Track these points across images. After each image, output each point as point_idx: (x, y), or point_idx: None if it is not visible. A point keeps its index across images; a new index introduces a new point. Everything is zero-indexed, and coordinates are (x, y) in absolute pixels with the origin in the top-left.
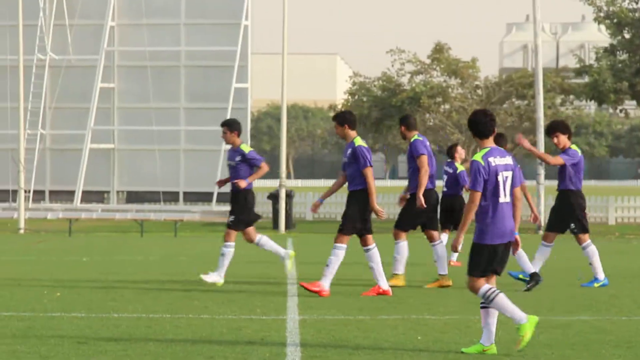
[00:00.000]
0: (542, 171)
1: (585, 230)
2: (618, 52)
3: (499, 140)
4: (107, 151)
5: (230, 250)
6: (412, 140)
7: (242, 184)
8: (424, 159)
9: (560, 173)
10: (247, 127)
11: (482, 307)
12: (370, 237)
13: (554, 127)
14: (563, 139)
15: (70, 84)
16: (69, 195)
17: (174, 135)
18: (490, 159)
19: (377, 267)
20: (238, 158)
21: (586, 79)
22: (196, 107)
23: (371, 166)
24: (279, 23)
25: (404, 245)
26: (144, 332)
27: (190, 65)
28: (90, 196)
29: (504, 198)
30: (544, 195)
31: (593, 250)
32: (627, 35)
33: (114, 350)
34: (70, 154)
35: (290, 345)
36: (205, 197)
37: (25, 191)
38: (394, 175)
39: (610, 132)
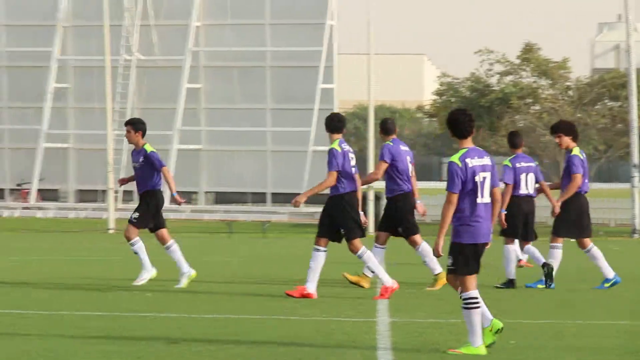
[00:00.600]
0: (636, 174)
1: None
2: None
3: (514, 138)
4: (195, 152)
5: (139, 245)
6: (383, 145)
7: (179, 200)
8: (382, 165)
9: (564, 179)
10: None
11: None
12: (356, 242)
13: (557, 128)
14: (566, 140)
15: (157, 84)
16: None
17: (261, 136)
18: (468, 160)
19: (374, 265)
20: (141, 159)
21: None
22: (282, 108)
23: (336, 171)
24: (365, 23)
25: (425, 247)
26: (233, 333)
27: (276, 65)
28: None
29: (481, 198)
30: (638, 199)
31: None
32: None
33: (204, 351)
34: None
35: (382, 348)
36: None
37: (114, 191)
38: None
39: None
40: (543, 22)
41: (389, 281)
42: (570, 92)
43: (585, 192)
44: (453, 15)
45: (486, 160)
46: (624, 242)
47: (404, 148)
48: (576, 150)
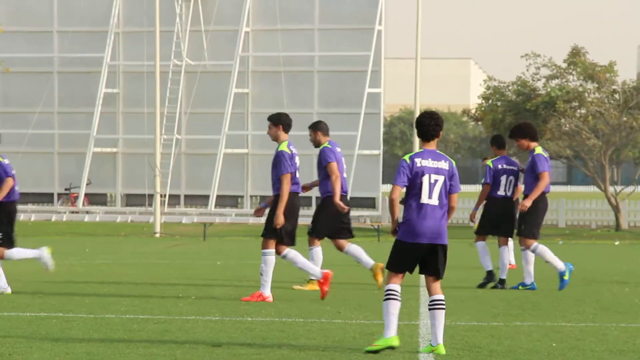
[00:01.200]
0: None
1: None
2: None
3: (499, 140)
4: (241, 156)
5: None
6: (322, 147)
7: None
8: (333, 165)
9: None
10: (380, 131)
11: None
12: (282, 246)
13: (513, 133)
14: (523, 143)
15: (205, 89)
16: (203, 199)
17: (308, 140)
18: (417, 160)
19: (266, 275)
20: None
21: None
22: (329, 112)
23: (289, 173)
24: (412, 27)
25: (318, 251)
26: (277, 336)
27: (324, 70)
28: (224, 200)
29: (427, 199)
30: None
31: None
32: None
33: (247, 354)
34: (205, 158)
35: (424, 352)
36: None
37: (161, 196)
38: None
39: None
40: (590, 26)
41: (318, 274)
42: (616, 96)
43: (548, 192)
44: (500, 19)
45: (442, 165)
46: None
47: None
48: (539, 149)
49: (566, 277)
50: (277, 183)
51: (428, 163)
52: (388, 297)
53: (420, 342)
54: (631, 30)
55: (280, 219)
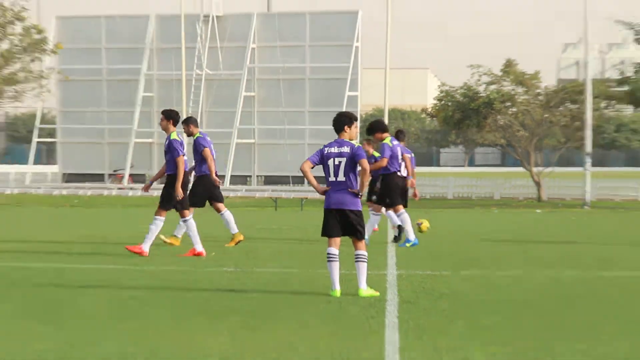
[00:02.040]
0: (588, 160)
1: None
2: None
3: (399, 135)
4: (249, 145)
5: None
6: (195, 137)
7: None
8: (207, 151)
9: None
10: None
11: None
12: (185, 211)
13: (370, 129)
14: (378, 136)
15: (221, 92)
16: (220, 178)
17: (301, 132)
18: (326, 148)
19: (193, 234)
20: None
21: (626, 88)
22: (318, 110)
23: (182, 155)
24: (383, 44)
25: (191, 221)
26: (279, 283)
27: (313, 78)
28: (236, 179)
29: (333, 177)
30: (588, 179)
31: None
32: None
33: (258, 298)
34: (221, 147)
35: (390, 294)
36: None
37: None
38: (471, 163)
39: None
40: (521, 43)
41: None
42: (540, 97)
43: (398, 171)
44: (452, 38)
45: (344, 149)
46: (577, 213)
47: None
48: (387, 140)
49: (409, 245)
50: (171, 164)
51: (333, 150)
52: (328, 259)
53: (388, 287)
54: (552, 46)
55: (179, 193)
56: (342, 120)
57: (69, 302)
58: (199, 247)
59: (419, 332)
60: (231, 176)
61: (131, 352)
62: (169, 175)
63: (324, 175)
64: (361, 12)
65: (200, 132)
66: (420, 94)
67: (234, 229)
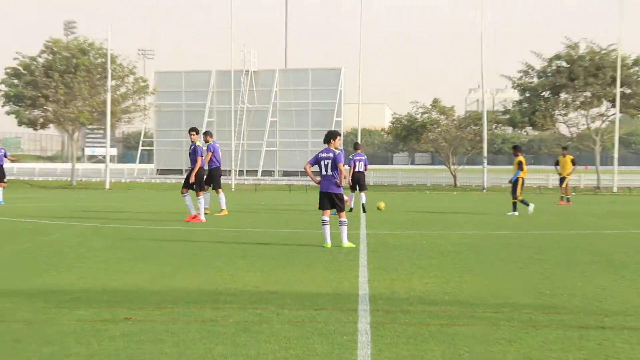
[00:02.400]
0: (485, 161)
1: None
2: (523, 103)
3: (356, 145)
4: (273, 151)
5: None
6: (195, 143)
7: None
8: (209, 154)
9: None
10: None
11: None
12: (200, 192)
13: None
14: (334, 142)
15: (256, 118)
16: (254, 172)
17: (305, 143)
18: (320, 153)
19: (201, 206)
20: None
21: (507, 116)
22: (316, 129)
23: (201, 156)
24: (357, 88)
25: (206, 196)
26: (292, 239)
27: (313, 109)
28: (265, 173)
29: (324, 172)
30: (485, 174)
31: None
32: (527, 95)
33: (278, 248)
34: (255, 152)
35: (362, 245)
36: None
37: (236, 170)
38: (413, 162)
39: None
40: (443, 88)
41: (192, 210)
42: (455, 122)
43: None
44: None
45: (329, 155)
46: (478, 194)
47: (217, 145)
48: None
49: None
50: (193, 161)
51: (324, 155)
52: (322, 223)
53: (360, 242)
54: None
55: (192, 178)
56: (330, 135)
57: (157, 250)
58: (202, 216)
59: (380, 270)
60: (262, 171)
61: (196, 282)
62: (191, 169)
63: (319, 170)
64: (343, 69)
65: (213, 141)
66: (380, 119)
67: (223, 206)
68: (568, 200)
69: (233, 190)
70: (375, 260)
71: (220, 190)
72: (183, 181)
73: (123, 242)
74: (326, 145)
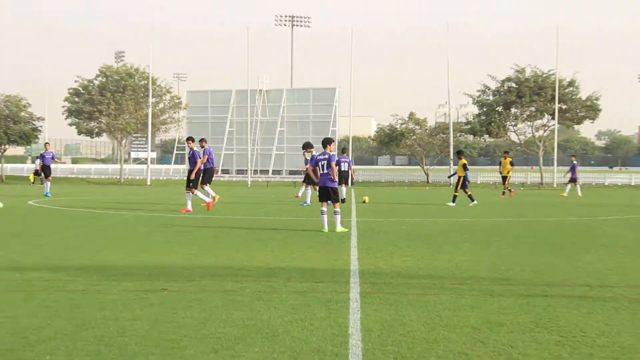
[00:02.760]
0: (451, 162)
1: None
2: (481, 116)
3: (344, 150)
4: (282, 154)
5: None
6: (193, 148)
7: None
8: (205, 157)
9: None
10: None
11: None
12: (194, 189)
13: (306, 145)
14: (329, 147)
15: (268, 128)
16: (266, 171)
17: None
18: (317, 156)
19: (203, 194)
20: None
21: (469, 127)
22: (316, 137)
23: (199, 158)
24: (348, 103)
25: (209, 189)
26: (296, 225)
27: (314, 121)
28: (275, 172)
29: (321, 170)
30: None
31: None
32: (484, 109)
33: (285, 233)
34: (267, 156)
35: (353, 230)
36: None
37: (252, 170)
38: (394, 164)
39: (479, 147)
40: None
41: (207, 199)
42: (427, 131)
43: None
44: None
45: (325, 157)
46: (446, 189)
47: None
48: (333, 151)
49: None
50: (192, 163)
51: (321, 157)
52: (321, 213)
53: (352, 227)
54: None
55: (192, 176)
56: (326, 141)
57: (187, 235)
58: (189, 206)
59: (368, 251)
60: (272, 170)
61: (218, 260)
62: (206, 169)
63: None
64: (338, 88)
65: (208, 146)
66: (367, 129)
67: (211, 194)
68: (510, 191)
69: (249, 186)
70: (364, 242)
71: (208, 185)
72: (186, 181)
73: (160, 228)
74: (324, 149)
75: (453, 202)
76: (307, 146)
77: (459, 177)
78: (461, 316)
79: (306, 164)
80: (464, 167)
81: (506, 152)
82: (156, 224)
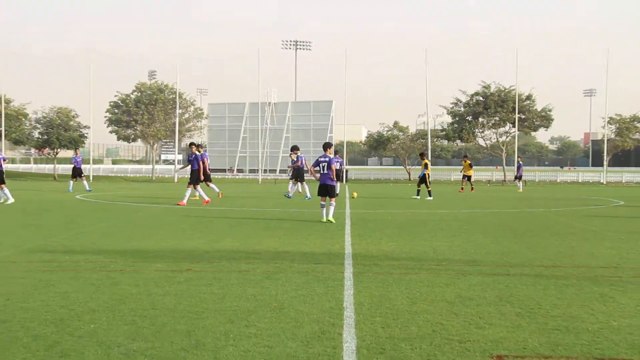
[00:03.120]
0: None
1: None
2: (454, 124)
3: (337, 153)
4: (287, 157)
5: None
6: (195, 153)
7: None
8: (201, 162)
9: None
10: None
11: (321, 207)
12: (194, 184)
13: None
14: (329, 151)
15: (275, 135)
16: (274, 171)
17: (308, 152)
18: (319, 158)
19: (188, 194)
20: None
21: (443, 133)
22: (316, 142)
23: (206, 159)
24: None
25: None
26: (299, 216)
27: (314, 129)
28: (282, 172)
29: (322, 171)
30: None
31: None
32: (457, 119)
33: (290, 222)
34: (274, 158)
35: (347, 220)
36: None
37: (263, 170)
38: (381, 164)
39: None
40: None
41: (205, 197)
42: (409, 137)
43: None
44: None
45: (326, 158)
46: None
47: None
48: (332, 154)
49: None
50: (195, 164)
51: (321, 159)
52: (321, 206)
53: (346, 218)
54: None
55: (201, 177)
56: (326, 146)
57: (207, 224)
58: (185, 200)
59: (359, 237)
60: (279, 169)
61: (234, 245)
62: (195, 170)
63: (319, 169)
64: (334, 101)
65: (204, 151)
66: (359, 135)
67: (215, 190)
68: (466, 189)
69: (260, 183)
70: (356, 230)
71: (198, 186)
72: (190, 180)
73: (185, 218)
74: (323, 152)
75: (430, 196)
76: (294, 149)
77: (426, 174)
78: (437, 292)
79: (292, 164)
80: (426, 166)
81: (465, 155)
82: (182, 215)
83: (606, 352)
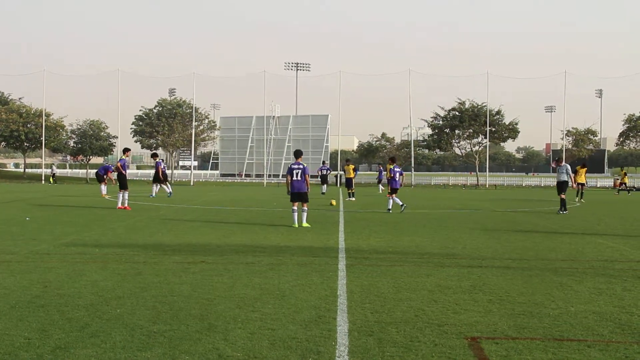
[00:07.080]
0: (412, 169)
1: None
2: (434, 135)
3: (299, 156)
4: (289, 164)
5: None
6: (157, 160)
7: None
8: (159, 168)
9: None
10: (328, 158)
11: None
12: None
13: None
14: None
15: (278, 144)
16: (277, 175)
17: (307, 159)
18: (291, 165)
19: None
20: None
21: (425, 143)
22: (314, 150)
23: (159, 165)
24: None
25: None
26: (282, 220)
27: (312, 139)
28: (284, 176)
29: (295, 178)
30: (413, 176)
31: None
32: (436, 131)
33: (287, 225)
34: (278, 164)
35: (341, 219)
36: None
37: (265, 174)
38: (371, 170)
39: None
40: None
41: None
42: (395, 146)
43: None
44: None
45: (300, 166)
46: (412, 189)
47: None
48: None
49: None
50: (156, 171)
51: (294, 166)
52: (292, 211)
53: (339, 217)
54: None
55: (162, 178)
56: (298, 154)
57: (219, 221)
58: (153, 194)
59: (351, 233)
60: (282, 175)
61: (242, 240)
62: (157, 172)
63: (292, 177)
64: (330, 115)
65: (161, 159)
66: (351, 144)
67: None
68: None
69: (264, 186)
70: (348, 227)
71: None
72: (153, 180)
73: (199, 217)
74: (295, 160)
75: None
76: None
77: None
78: (419, 282)
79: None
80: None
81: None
82: (197, 213)
83: (565, 334)
